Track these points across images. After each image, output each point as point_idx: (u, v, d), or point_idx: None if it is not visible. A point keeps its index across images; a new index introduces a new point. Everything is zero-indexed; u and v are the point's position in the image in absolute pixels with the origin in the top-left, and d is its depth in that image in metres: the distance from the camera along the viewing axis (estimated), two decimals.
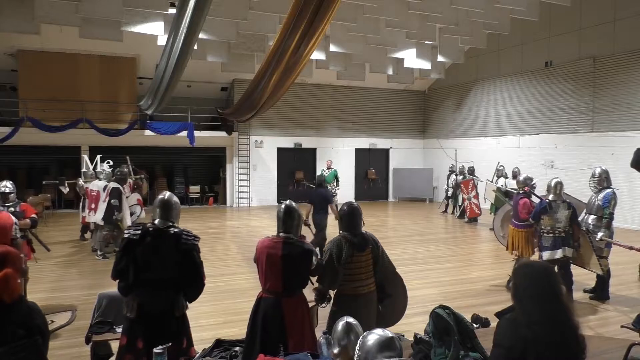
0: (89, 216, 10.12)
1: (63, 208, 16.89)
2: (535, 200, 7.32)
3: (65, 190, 12.39)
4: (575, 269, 6.84)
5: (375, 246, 4.06)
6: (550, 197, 6.69)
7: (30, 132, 15.00)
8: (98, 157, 12.60)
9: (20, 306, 2.63)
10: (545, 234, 6.63)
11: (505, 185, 12.63)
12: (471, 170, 15.03)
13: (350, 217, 4.06)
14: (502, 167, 13.73)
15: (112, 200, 9.25)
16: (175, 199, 3.89)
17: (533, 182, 7.83)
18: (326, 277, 3.88)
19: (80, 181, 11.06)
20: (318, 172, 16.60)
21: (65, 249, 10.37)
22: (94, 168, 11.98)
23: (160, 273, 3.61)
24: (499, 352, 2.26)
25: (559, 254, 6.55)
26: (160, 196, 3.90)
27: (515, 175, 11.91)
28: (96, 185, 10.04)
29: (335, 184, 16.04)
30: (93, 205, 9.88)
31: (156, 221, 3.73)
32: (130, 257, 3.61)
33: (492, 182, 13.27)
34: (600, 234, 6.69)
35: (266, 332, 3.64)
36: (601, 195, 6.89)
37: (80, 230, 11.35)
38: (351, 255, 3.89)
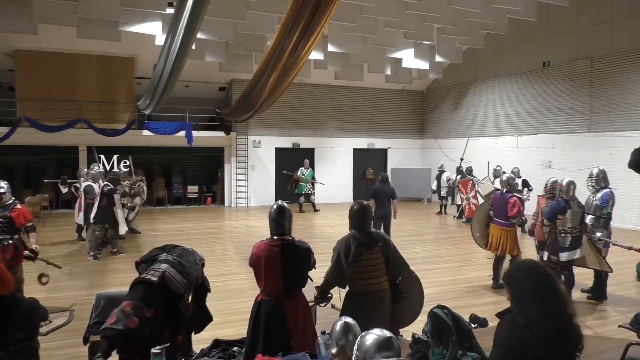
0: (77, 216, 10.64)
1: (60, 208, 16.86)
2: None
3: (65, 189, 12.41)
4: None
5: (386, 245, 4.08)
6: (564, 196, 6.59)
7: (27, 132, 14.96)
8: (115, 157, 12.57)
9: (19, 308, 2.63)
10: (563, 235, 6.48)
11: None
12: (469, 171, 15.04)
13: (360, 216, 4.07)
14: (499, 168, 13.68)
15: (102, 202, 9.24)
16: None
17: (515, 182, 7.95)
18: (334, 275, 3.91)
19: (81, 181, 11.10)
20: (299, 172, 17.03)
21: (62, 249, 10.34)
22: (111, 168, 12.07)
23: None
24: (499, 352, 2.27)
25: (577, 254, 6.45)
26: None
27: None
28: (81, 186, 10.37)
29: (311, 184, 16.81)
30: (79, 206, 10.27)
31: None
32: None
33: (491, 183, 13.28)
34: (598, 234, 6.71)
35: (268, 334, 3.63)
36: (599, 195, 6.89)
37: (76, 230, 11.34)
38: (359, 253, 3.91)
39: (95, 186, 9.91)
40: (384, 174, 10.54)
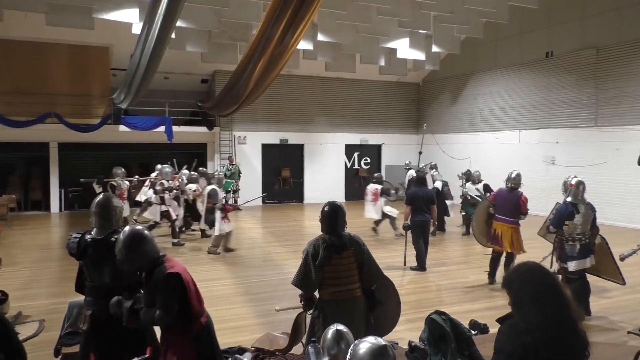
0: None
1: (29, 210, 16.71)
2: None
3: (99, 189, 12.37)
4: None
5: (359, 249, 4.00)
6: (569, 199, 6.36)
7: None
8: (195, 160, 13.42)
9: None
10: (570, 242, 6.26)
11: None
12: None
13: (331, 218, 4.02)
14: (477, 173, 12.91)
15: None
16: (114, 201, 3.72)
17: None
18: (302, 279, 3.89)
19: (117, 180, 12.10)
20: (224, 169, 17.22)
21: (32, 254, 10.23)
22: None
23: (111, 282, 3.54)
24: (500, 359, 2.28)
25: (588, 262, 6.28)
26: (97, 199, 3.72)
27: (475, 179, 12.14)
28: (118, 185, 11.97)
29: (238, 180, 17.28)
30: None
31: (93, 231, 3.63)
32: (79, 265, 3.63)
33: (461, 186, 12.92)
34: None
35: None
36: None
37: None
38: (328, 257, 3.86)
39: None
40: (420, 174, 9.39)
